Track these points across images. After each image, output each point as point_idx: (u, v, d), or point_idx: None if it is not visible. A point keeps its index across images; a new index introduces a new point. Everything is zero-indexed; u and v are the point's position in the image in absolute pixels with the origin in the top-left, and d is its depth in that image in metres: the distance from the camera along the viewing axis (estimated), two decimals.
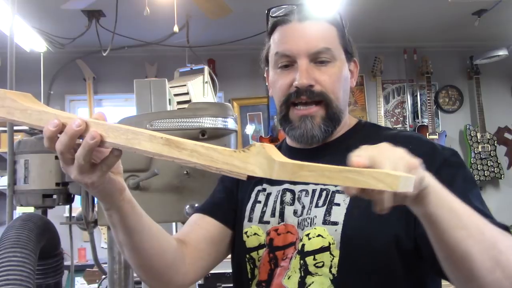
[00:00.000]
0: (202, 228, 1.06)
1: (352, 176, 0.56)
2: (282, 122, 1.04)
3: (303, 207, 0.99)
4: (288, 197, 1.02)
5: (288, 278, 0.95)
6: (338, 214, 0.93)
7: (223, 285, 2.84)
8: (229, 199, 1.11)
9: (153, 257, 0.92)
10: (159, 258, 0.93)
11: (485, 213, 0.85)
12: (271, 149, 0.60)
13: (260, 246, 1.02)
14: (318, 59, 0.99)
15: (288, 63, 1.01)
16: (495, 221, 0.82)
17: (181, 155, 0.62)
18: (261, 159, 0.59)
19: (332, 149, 1.04)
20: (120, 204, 0.81)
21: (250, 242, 1.04)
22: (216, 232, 1.06)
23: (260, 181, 1.09)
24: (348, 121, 1.09)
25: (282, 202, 1.02)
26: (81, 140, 0.69)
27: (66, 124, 0.67)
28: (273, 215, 1.02)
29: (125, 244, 0.89)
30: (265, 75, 1.12)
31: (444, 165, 0.92)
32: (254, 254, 1.03)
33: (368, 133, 1.06)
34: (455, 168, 0.92)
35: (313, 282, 0.93)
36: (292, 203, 1.01)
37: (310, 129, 0.99)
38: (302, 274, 0.94)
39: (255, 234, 1.03)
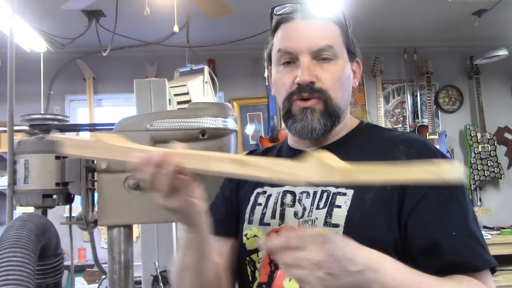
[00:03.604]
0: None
1: (408, 173, 0.60)
2: (285, 117, 1.04)
3: (304, 209, 0.98)
4: (288, 198, 1.02)
5: (290, 281, 0.95)
6: (339, 216, 0.93)
7: None
8: (229, 211, 1.11)
9: (210, 279, 0.98)
10: (215, 280, 0.99)
11: (478, 240, 0.87)
12: (329, 156, 0.64)
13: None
14: (320, 56, 0.99)
15: (290, 60, 1.01)
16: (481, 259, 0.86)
17: (248, 171, 0.68)
18: (320, 167, 0.63)
19: (334, 151, 1.03)
20: (200, 227, 0.90)
21: (250, 244, 1.04)
22: (227, 247, 1.08)
23: (260, 183, 1.09)
24: (349, 122, 1.08)
25: (282, 204, 1.02)
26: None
27: (150, 157, 0.76)
28: (273, 217, 1.02)
29: (192, 266, 0.94)
30: (265, 75, 1.12)
31: None
32: (254, 256, 1.03)
33: (370, 135, 1.05)
34: (453, 186, 0.90)
35: None
36: (293, 205, 1.00)
37: (310, 122, 0.99)
38: None
39: (255, 236, 1.03)
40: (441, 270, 0.85)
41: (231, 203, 1.12)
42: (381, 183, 0.61)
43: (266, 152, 1.19)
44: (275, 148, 1.18)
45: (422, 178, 0.59)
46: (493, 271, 0.90)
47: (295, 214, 0.99)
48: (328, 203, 0.95)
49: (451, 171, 0.58)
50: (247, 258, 1.04)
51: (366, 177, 0.61)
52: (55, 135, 0.89)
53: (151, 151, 0.78)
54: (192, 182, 0.80)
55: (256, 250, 1.03)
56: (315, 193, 0.98)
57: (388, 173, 0.60)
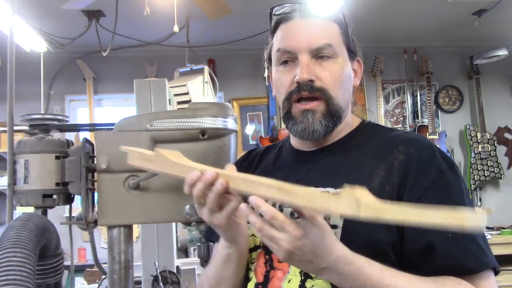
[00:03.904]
0: None
1: (430, 217, 0.65)
2: (285, 118, 1.04)
3: None
4: None
5: (289, 282, 0.95)
6: (337, 221, 0.92)
7: None
8: None
9: None
10: None
11: (476, 241, 0.87)
12: (361, 193, 0.67)
13: (255, 248, 1.02)
14: (319, 55, 0.99)
15: (290, 59, 1.01)
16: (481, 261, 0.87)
17: (288, 198, 0.72)
18: (351, 201, 0.67)
19: (334, 151, 1.04)
20: (240, 244, 0.96)
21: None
22: None
23: None
24: (350, 122, 1.08)
25: (280, 205, 1.02)
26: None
27: (203, 175, 0.81)
28: None
29: (228, 279, 1.01)
30: (265, 75, 1.12)
31: (440, 179, 0.92)
32: (247, 256, 1.03)
33: (371, 135, 1.05)
34: (449, 186, 0.92)
35: (313, 286, 0.92)
36: None
37: (311, 124, 0.99)
38: (302, 278, 0.94)
39: (252, 235, 1.03)
40: (436, 272, 0.85)
41: None
42: (405, 223, 0.65)
43: (267, 151, 1.18)
44: (276, 147, 1.17)
45: (445, 223, 0.63)
46: (496, 272, 0.89)
47: (292, 214, 0.99)
48: None
49: (475, 219, 0.61)
50: None
51: (392, 217, 0.65)
52: (124, 147, 0.94)
53: (205, 169, 0.83)
54: (238, 203, 0.85)
55: (251, 250, 1.03)
56: None
57: (413, 215, 0.65)
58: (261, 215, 0.77)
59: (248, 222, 1.05)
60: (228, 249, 0.97)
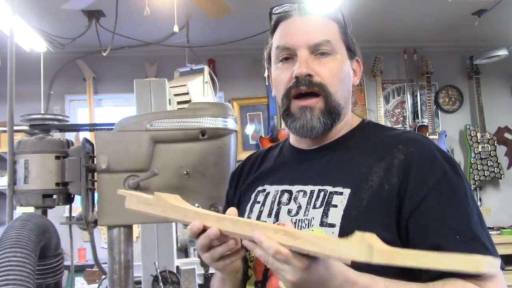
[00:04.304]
0: None
1: (446, 263, 0.64)
2: (284, 116, 1.04)
3: (299, 207, 0.98)
4: (285, 197, 1.02)
5: None
6: (335, 216, 0.92)
7: None
8: None
9: None
10: None
11: (482, 242, 0.87)
12: (371, 237, 0.68)
13: None
14: (318, 51, 0.99)
15: (289, 55, 1.01)
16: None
17: (296, 243, 0.73)
18: (363, 247, 0.68)
19: (333, 149, 1.04)
20: (234, 276, 1.01)
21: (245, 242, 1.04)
22: None
23: (261, 181, 1.09)
24: (350, 121, 1.08)
25: (279, 203, 1.02)
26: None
27: (206, 226, 0.83)
28: (269, 215, 1.02)
29: None
30: (265, 75, 1.12)
31: (444, 180, 0.91)
32: (246, 254, 1.03)
33: (370, 134, 1.05)
34: (453, 187, 0.92)
35: None
36: (288, 203, 1.00)
37: (310, 120, 0.99)
38: None
39: None
40: (443, 275, 0.85)
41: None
42: (418, 268, 0.65)
43: (268, 151, 1.19)
44: (277, 147, 1.18)
45: (459, 269, 0.63)
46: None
47: (289, 211, 0.99)
48: (324, 202, 0.95)
49: (490, 264, 0.62)
50: None
51: (404, 261, 0.65)
52: (122, 190, 0.94)
53: (207, 215, 0.85)
54: (235, 255, 0.89)
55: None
56: (312, 192, 0.98)
57: (426, 260, 0.65)
58: None
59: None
60: (223, 277, 1.02)
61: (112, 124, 1.33)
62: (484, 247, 0.88)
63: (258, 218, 1.03)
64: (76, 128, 1.75)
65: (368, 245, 0.67)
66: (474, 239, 0.87)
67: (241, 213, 1.08)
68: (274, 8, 1.07)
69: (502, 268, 0.88)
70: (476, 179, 4.47)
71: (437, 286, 0.84)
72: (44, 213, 1.37)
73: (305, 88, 0.98)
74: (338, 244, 0.70)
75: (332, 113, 1.00)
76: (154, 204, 0.89)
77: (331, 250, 0.70)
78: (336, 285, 0.79)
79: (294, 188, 1.01)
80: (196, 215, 0.85)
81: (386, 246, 0.67)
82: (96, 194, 1.30)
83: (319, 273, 0.76)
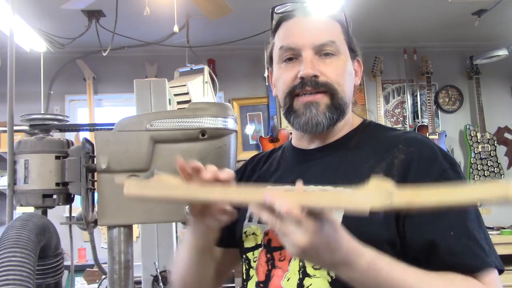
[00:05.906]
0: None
1: (469, 193, 0.61)
2: (287, 113, 1.03)
3: None
4: None
5: (288, 280, 0.95)
6: (336, 215, 0.92)
7: (223, 285, 2.84)
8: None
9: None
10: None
11: (476, 240, 0.87)
12: (387, 183, 0.65)
13: (256, 246, 1.03)
14: (322, 51, 0.99)
15: (293, 56, 1.00)
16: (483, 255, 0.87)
17: (309, 200, 0.70)
18: (381, 192, 0.65)
19: (334, 149, 1.04)
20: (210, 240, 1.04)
21: (248, 242, 1.04)
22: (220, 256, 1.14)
23: (264, 181, 1.09)
24: (351, 121, 1.08)
25: None
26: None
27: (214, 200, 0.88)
28: None
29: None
30: (265, 75, 1.12)
31: (442, 178, 0.91)
32: (249, 254, 1.03)
33: (371, 134, 1.05)
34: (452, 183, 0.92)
35: (311, 284, 0.92)
36: None
37: (315, 115, 0.98)
38: (301, 276, 0.94)
39: (253, 234, 1.03)
40: (438, 269, 0.85)
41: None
42: (440, 205, 0.62)
43: (272, 153, 1.19)
44: (280, 149, 1.18)
45: (487, 196, 0.59)
46: (500, 272, 0.89)
47: None
48: None
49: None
50: (243, 256, 1.04)
51: (426, 199, 0.62)
52: (119, 178, 0.92)
53: (212, 188, 0.85)
54: (228, 212, 0.93)
55: (252, 249, 1.03)
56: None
57: (445, 195, 0.61)
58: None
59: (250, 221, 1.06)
60: (194, 241, 1.03)
61: (112, 124, 1.33)
62: (478, 245, 0.88)
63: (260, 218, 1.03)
64: (76, 128, 1.76)
65: (386, 190, 0.64)
66: (469, 237, 0.87)
67: (242, 213, 1.08)
68: (276, 8, 1.07)
69: (502, 270, 0.88)
70: (476, 179, 4.47)
71: (439, 273, 0.84)
72: (44, 213, 1.37)
73: (311, 89, 0.98)
74: (354, 195, 0.67)
75: (338, 108, 1.00)
76: (155, 186, 0.85)
77: (348, 201, 0.67)
78: (343, 252, 0.77)
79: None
80: (200, 190, 0.83)
81: (404, 189, 0.65)
82: (96, 194, 1.30)
83: (328, 237, 0.74)
